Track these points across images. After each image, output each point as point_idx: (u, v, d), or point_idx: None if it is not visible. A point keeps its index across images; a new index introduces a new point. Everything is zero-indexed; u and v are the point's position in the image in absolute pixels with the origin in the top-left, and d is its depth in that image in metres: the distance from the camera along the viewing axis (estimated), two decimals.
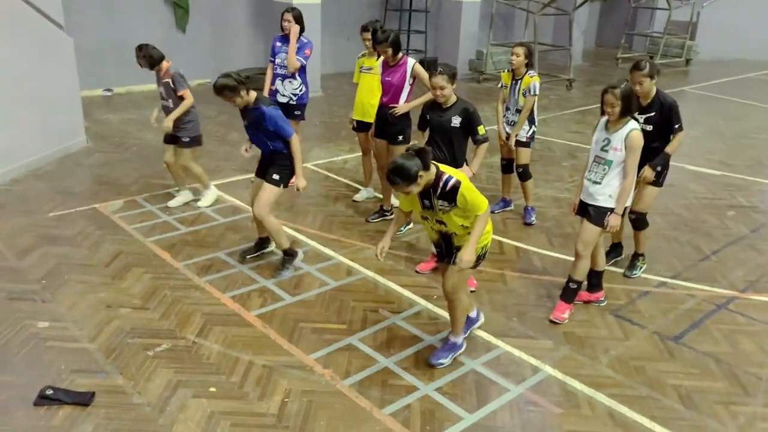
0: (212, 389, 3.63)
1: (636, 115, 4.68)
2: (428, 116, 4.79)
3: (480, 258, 3.77)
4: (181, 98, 5.78)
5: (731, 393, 3.80)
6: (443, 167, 3.58)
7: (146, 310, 4.40)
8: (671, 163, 5.02)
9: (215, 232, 5.67)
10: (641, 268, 5.16)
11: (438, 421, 3.47)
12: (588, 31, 17.46)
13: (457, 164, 4.66)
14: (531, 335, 4.31)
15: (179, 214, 6.00)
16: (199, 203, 6.18)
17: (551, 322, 4.44)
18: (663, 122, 4.75)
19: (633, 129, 4.20)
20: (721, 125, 10.37)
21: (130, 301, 4.51)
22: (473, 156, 4.77)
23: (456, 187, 3.47)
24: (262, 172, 4.89)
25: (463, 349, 4.02)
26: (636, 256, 5.18)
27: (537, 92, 5.77)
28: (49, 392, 3.48)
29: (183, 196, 6.22)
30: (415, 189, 3.47)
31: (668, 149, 4.82)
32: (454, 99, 4.65)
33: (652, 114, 4.75)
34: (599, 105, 4.30)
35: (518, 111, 5.89)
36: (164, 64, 5.79)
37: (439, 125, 4.69)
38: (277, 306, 4.52)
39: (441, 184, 3.50)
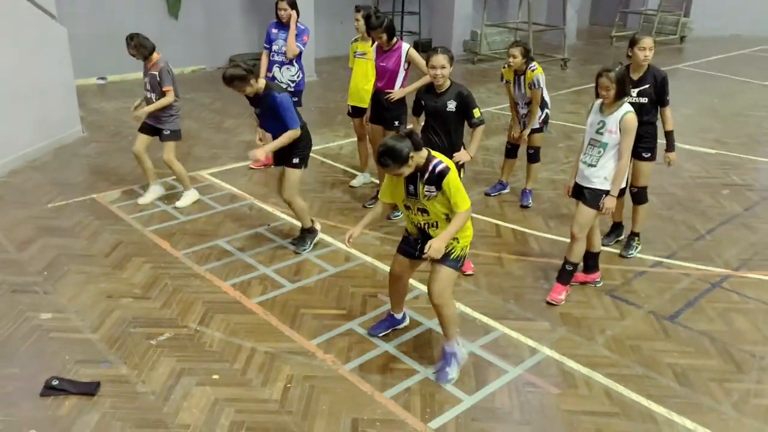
0: (215, 377, 3.68)
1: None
2: (423, 101, 4.80)
3: (460, 259, 3.65)
4: (165, 93, 5.71)
5: (725, 371, 3.87)
6: (435, 153, 3.55)
7: (147, 300, 4.44)
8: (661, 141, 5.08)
9: (214, 221, 5.70)
10: (637, 248, 5.22)
11: (438, 403, 3.54)
12: (582, 9, 17.38)
13: (454, 149, 4.68)
14: (528, 317, 4.37)
15: (176, 203, 6.02)
16: (177, 203, 5.96)
17: (548, 303, 4.50)
18: (656, 95, 4.82)
19: (627, 111, 4.23)
20: (716, 103, 10.38)
21: (131, 290, 4.55)
22: (470, 139, 4.79)
23: (444, 172, 3.43)
24: (281, 159, 4.97)
25: (465, 355, 3.83)
26: (632, 235, 5.24)
27: (542, 84, 5.81)
28: (55, 383, 3.53)
29: (153, 192, 6.06)
30: (406, 171, 3.42)
31: (670, 127, 4.95)
32: (448, 83, 4.65)
33: (646, 87, 4.80)
34: (594, 86, 4.32)
35: (527, 104, 5.91)
36: (154, 56, 5.73)
37: (435, 110, 4.70)
38: (277, 293, 4.57)
39: (430, 167, 3.44)
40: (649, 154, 4.97)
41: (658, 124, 4.98)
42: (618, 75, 4.14)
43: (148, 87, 5.80)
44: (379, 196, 3.80)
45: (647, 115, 4.82)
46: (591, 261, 4.72)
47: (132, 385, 3.61)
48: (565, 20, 13.60)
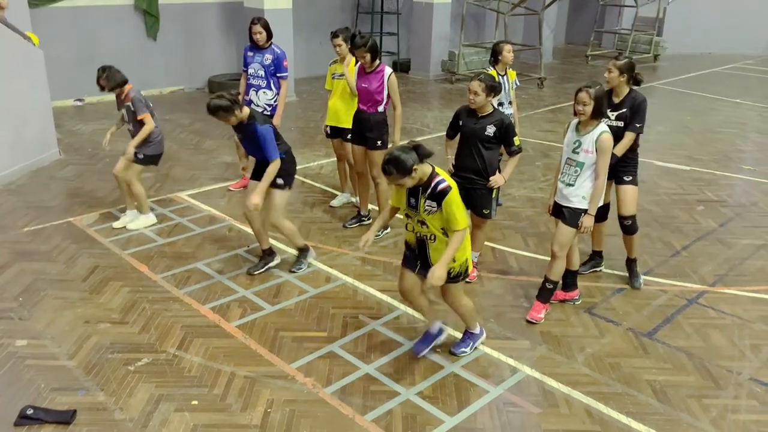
0: (194, 402, 3.64)
1: (608, 111, 4.77)
2: (461, 122, 4.81)
3: (461, 274, 3.84)
4: (141, 122, 5.65)
5: (703, 386, 3.91)
6: (440, 171, 3.66)
7: (125, 325, 4.39)
8: (641, 159, 5.10)
9: (192, 243, 5.66)
10: (640, 274, 5.13)
11: (420, 425, 3.53)
12: (558, 29, 17.66)
13: (488, 172, 4.75)
14: (509, 336, 4.39)
15: (156, 225, 5.97)
16: (129, 225, 5.86)
17: (528, 322, 4.52)
18: (629, 117, 4.79)
19: (603, 131, 4.29)
20: (689, 120, 10.58)
21: (109, 315, 4.49)
22: (506, 164, 4.85)
23: (445, 191, 3.55)
24: (259, 175, 4.88)
25: (483, 337, 4.23)
26: (632, 263, 5.09)
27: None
28: (30, 412, 3.47)
29: (129, 216, 5.95)
30: (409, 182, 3.56)
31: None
32: (491, 109, 4.72)
33: (624, 110, 4.80)
34: (572, 104, 4.37)
35: (510, 103, 6.06)
36: (126, 87, 5.65)
37: (472, 132, 4.73)
38: (257, 316, 4.54)
39: (433, 184, 3.58)
40: (630, 178, 4.85)
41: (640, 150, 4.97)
42: (597, 92, 4.19)
43: (127, 119, 5.77)
44: (390, 201, 3.95)
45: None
46: (569, 279, 4.76)
47: (109, 412, 3.55)
48: (541, 40, 13.80)
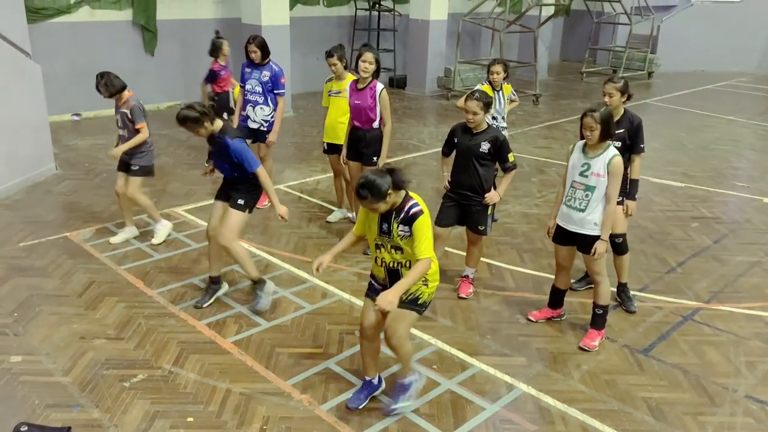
0: (190, 419, 3.63)
1: None
2: (456, 139, 4.86)
3: (424, 305, 3.61)
4: (137, 130, 5.63)
5: (699, 404, 3.92)
6: (414, 195, 3.54)
7: (121, 340, 4.38)
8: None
9: (189, 258, 5.66)
10: (634, 297, 5.09)
11: None
12: (552, 46, 17.81)
13: (484, 189, 4.78)
14: (505, 353, 4.39)
15: (152, 240, 5.96)
16: (153, 240, 5.90)
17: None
18: (630, 139, 4.80)
19: (615, 155, 4.21)
20: (683, 137, 10.65)
21: (105, 331, 4.48)
22: (501, 181, 4.89)
23: (417, 215, 3.41)
24: (225, 195, 4.76)
25: (423, 380, 3.83)
26: (624, 287, 5.05)
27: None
28: (24, 429, 3.44)
29: (127, 232, 5.96)
30: (382, 207, 3.41)
31: (636, 175, 4.86)
32: (485, 126, 4.78)
33: (621, 131, 4.77)
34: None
35: (503, 118, 6.26)
36: (125, 94, 5.62)
37: (468, 149, 4.77)
38: (253, 332, 4.54)
39: (406, 208, 3.44)
40: (621, 198, 4.79)
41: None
42: (603, 115, 4.12)
43: (120, 124, 5.73)
44: (354, 229, 3.78)
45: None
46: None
47: (104, 429, 3.54)
48: (536, 57, 13.92)
